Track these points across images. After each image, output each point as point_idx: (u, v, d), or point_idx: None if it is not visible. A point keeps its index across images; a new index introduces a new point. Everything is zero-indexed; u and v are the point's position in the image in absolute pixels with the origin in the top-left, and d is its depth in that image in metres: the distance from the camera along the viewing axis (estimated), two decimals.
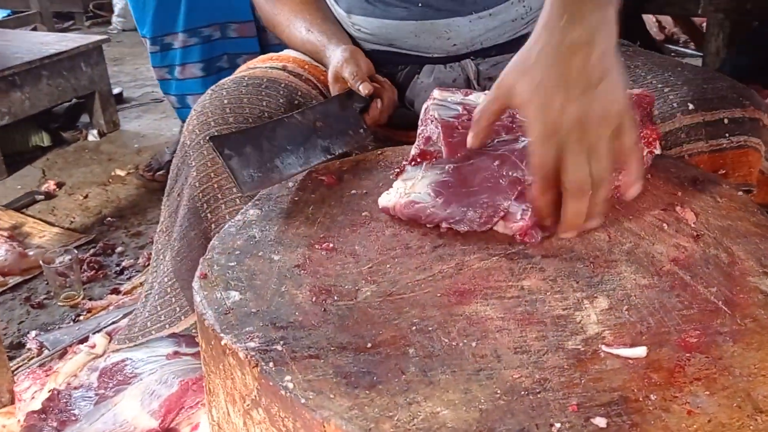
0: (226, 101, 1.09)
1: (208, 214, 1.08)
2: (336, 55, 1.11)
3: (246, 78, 1.14)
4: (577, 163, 0.70)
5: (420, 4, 1.16)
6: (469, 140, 0.82)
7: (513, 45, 1.22)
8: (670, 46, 3.37)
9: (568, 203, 0.73)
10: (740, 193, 0.89)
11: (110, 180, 2.54)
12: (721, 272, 0.73)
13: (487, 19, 1.17)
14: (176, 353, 1.19)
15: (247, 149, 0.91)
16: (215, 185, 1.07)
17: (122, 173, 2.58)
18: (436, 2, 1.15)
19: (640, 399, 0.58)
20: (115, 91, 3.21)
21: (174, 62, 2.18)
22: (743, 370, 0.60)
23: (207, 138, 1.00)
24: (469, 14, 1.16)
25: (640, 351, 0.62)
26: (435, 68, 1.22)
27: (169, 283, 1.16)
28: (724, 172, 1.01)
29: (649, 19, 3.27)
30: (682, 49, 3.32)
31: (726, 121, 1.03)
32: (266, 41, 2.18)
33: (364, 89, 1.07)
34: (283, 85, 1.14)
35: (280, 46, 1.33)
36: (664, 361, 0.62)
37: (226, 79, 1.16)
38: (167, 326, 1.18)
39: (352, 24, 1.23)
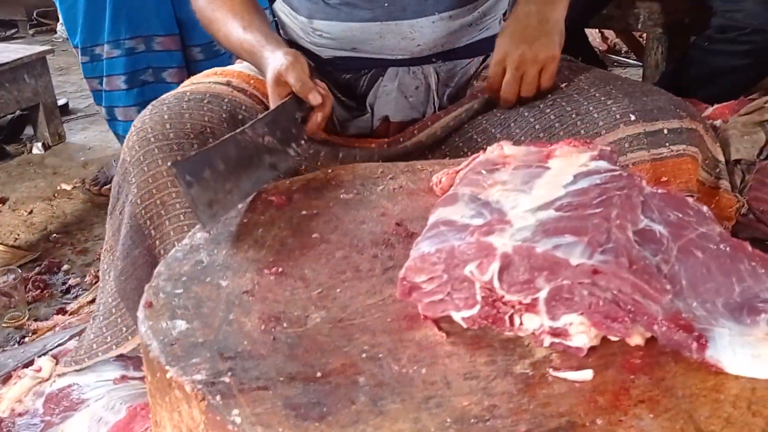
0: (166, 116, 1.08)
1: (152, 231, 1.07)
2: (277, 58, 1.09)
3: (188, 93, 1.13)
4: (509, 82, 1.15)
5: (386, 4, 1.17)
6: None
7: (467, 50, 1.24)
8: (613, 56, 3.45)
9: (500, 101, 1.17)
10: None
11: (56, 195, 2.47)
12: None
13: (448, 21, 1.20)
14: (124, 377, 1.17)
15: (206, 173, 0.88)
16: (157, 201, 1.06)
17: (68, 187, 2.51)
18: (401, 2, 1.17)
19: (587, 424, 0.58)
20: (61, 102, 3.13)
21: (102, 73, 2.14)
22: (685, 390, 0.62)
23: (169, 164, 0.98)
24: (432, 15, 1.19)
25: (587, 374, 0.63)
26: (399, 73, 1.23)
27: (114, 303, 1.14)
28: (666, 179, 1.05)
29: (593, 30, 3.35)
30: (625, 60, 3.41)
31: (666, 131, 1.07)
32: (191, 56, 2.16)
33: (314, 99, 1.06)
34: (226, 100, 1.13)
35: (206, 62, 1.32)
36: (610, 383, 0.63)
37: (168, 94, 1.15)
38: (114, 347, 1.16)
39: (314, 30, 1.23)
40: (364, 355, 0.66)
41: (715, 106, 1.69)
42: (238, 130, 0.97)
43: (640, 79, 2.32)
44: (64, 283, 1.90)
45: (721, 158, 1.19)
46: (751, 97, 1.68)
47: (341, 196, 0.96)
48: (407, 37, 1.19)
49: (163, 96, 1.16)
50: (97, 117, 3.24)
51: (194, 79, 1.24)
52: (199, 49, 2.18)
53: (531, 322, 0.67)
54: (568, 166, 0.80)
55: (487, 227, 0.69)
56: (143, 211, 1.07)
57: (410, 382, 0.63)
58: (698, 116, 1.13)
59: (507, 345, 0.68)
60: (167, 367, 0.66)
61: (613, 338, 0.66)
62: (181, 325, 0.71)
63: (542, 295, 0.65)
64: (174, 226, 1.06)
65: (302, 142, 1.05)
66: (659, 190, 0.75)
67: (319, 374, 0.64)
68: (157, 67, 2.15)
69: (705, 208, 0.72)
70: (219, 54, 2.17)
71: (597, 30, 3.37)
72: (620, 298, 0.63)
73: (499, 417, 0.59)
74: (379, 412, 0.60)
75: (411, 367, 0.65)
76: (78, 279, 1.91)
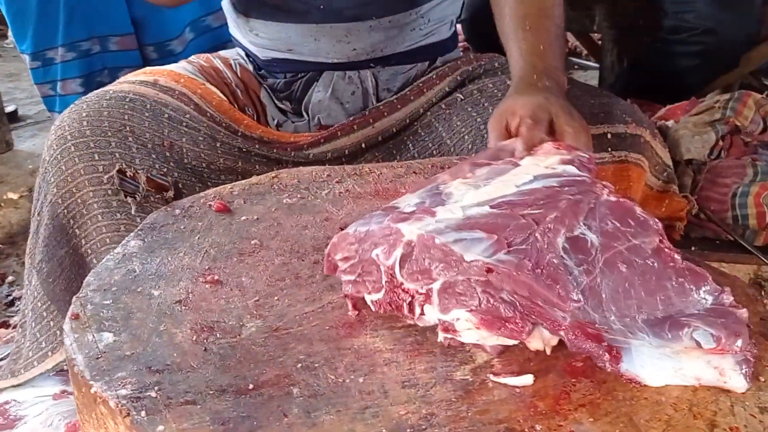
0: (84, 114, 1.06)
1: (76, 230, 1.05)
2: None
3: (110, 92, 1.11)
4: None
5: (321, 7, 1.15)
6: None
7: (411, 55, 1.22)
8: (573, 59, 3.48)
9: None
10: None
11: (2, 204, 2.40)
12: None
13: (387, 26, 1.18)
14: (63, 392, 1.12)
15: None
16: (78, 200, 1.04)
17: (15, 196, 2.43)
18: (337, 5, 1.15)
19: (526, 430, 0.57)
20: (9, 108, 3.04)
21: (56, 77, 2.10)
22: (626, 393, 0.60)
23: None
24: (370, 19, 1.16)
25: (527, 379, 0.61)
26: (334, 78, 1.20)
27: (44, 307, 1.11)
28: None
29: None
30: (585, 62, 3.44)
31: (609, 135, 1.06)
32: (146, 55, 2.13)
33: None
34: (151, 100, 1.10)
35: (160, 60, 1.29)
36: (551, 388, 0.61)
37: (91, 93, 1.13)
38: (49, 353, 1.13)
39: (251, 30, 1.21)
40: (299, 365, 0.64)
41: (668, 106, 1.70)
42: None
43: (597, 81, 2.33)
44: (8, 296, 1.84)
45: (670, 162, 1.19)
46: (702, 98, 1.70)
47: (284, 200, 0.94)
48: (342, 40, 1.17)
49: (87, 95, 1.13)
50: (47, 124, 3.15)
51: (122, 79, 1.21)
52: (153, 48, 2.15)
53: (431, 313, 0.66)
54: (534, 166, 0.79)
55: (406, 215, 0.69)
56: (65, 210, 1.05)
57: (346, 392, 0.61)
58: (645, 122, 1.12)
59: (447, 351, 0.66)
60: (91, 382, 0.62)
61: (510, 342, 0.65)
62: (108, 337, 0.68)
63: (435, 286, 0.65)
64: (94, 225, 1.04)
65: None
66: (613, 198, 0.73)
67: (251, 386, 0.61)
68: (113, 68, 2.12)
69: (653, 220, 0.71)
70: (174, 53, 2.15)
71: None
72: (516, 300, 0.62)
73: (436, 425, 0.57)
74: (312, 424, 0.57)
75: (348, 377, 0.63)
76: (23, 291, 1.85)
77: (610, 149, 1.05)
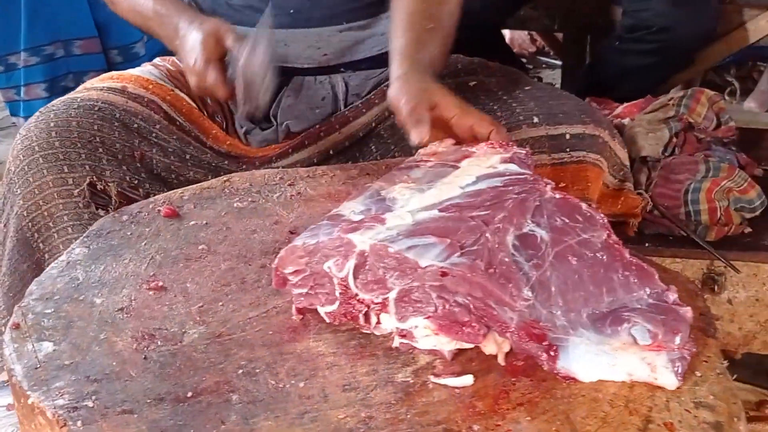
0: (52, 124, 1.03)
1: (40, 244, 1.02)
2: (207, 22, 1.05)
3: (78, 99, 1.08)
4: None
5: (291, 11, 1.14)
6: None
7: (382, 59, 1.22)
8: (542, 58, 3.50)
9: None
10: None
11: None
12: None
13: (357, 30, 1.17)
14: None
15: None
16: (45, 213, 1.01)
17: None
18: (307, 10, 1.14)
19: (463, 431, 0.57)
20: None
21: (19, 83, 2.07)
22: (564, 391, 0.61)
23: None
24: (340, 24, 1.16)
25: (467, 380, 0.62)
26: (304, 83, 1.19)
27: (3, 321, 1.08)
28: (564, 185, 1.05)
29: (522, 33, 3.39)
30: (553, 61, 3.46)
31: (568, 136, 1.07)
32: (110, 59, 2.11)
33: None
34: (120, 109, 1.08)
35: (125, 64, 1.27)
36: (491, 387, 0.62)
37: (57, 100, 1.10)
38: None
39: None
40: (240, 371, 0.64)
41: (625, 104, 1.72)
42: None
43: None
44: None
45: (627, 162, 1.21)
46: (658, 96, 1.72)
47: (235, 204, 0.93)
48: (313, 45, 1.16)
49: (52, 102, 1.10)
50: (11, 130, 3.10)
51: (88, 84, 1.18)
52: (117, 52, 2.13)
53: (388, 322, 0.66)
54: (476, 167, 0.79)
55: (356, 224, 0.68)
56: (30, 224, 1.03)
57: (286, 397, 0.61)
58: (604, 122, 1.13)
59: (390, 353, 0.66)
60: (29, 392, 0.62)
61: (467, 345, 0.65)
62: (48, 347, 0.67)
63: (392, 295, 0.65)
64: (63, 239, 1.01)
65: None
66: (557, 195, 0.74)
67: (189, 394, 0.61)
68: (77, 72, 2.10)
69: (599, 216, 0.72)
70: (139, 56, 2.13)
71: (527, 32, 3.41)
72: (471, 302, 0.62)
73: (374, 428, 0.57)
74: (250, 431, 0.57)
75: (288, 382, 0.62)
76: None
77: (568, 149, 1.05)
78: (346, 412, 0.59)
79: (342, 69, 1.20)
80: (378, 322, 0.67)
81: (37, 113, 1.08)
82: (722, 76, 2.81)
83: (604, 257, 0.68)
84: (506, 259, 0.63)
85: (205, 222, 0.88)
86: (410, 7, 1.05)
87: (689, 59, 1.98)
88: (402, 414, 0.59)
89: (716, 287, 1.28)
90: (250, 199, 0.94)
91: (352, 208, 0.74)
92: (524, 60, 3.23)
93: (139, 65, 1.25)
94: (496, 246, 0.65)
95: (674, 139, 1.43)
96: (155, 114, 1.11)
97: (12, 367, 0.65)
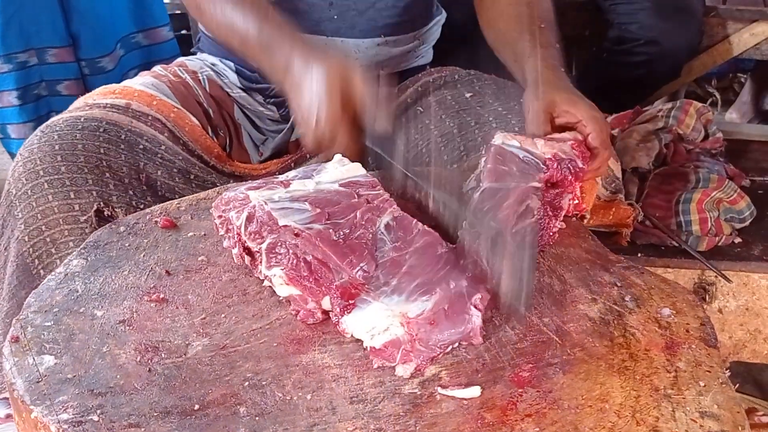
0: (57, 147, 0.99)
1: (41, 271, 0.99)
2: (327, 60, 0.91)
3: (82, 119, 1.03)
4: None
5: (335, 17, 1.15)
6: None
7: (400, 76, 1.25)
8: None
9: None
10: (573, 218, 0.92)
11: None
12: (553, 301, 0.75)
13: (391, 45, 1.21)
14: (9, 416, 1.09)
15: None
16: (47, 239, 0.97)
17: None
18: (350, 20, 1.16)
19: None
20: None
21: None
22: (571, 401, 0.61)
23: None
24: (378, 37, 1.18)
25: (474, 391, 0.62)
26: None
27: (1, 346, 1.06)
28: None
29: None
30: None
31: None
32: (81, 70, 2.08)
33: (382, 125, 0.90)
34: (125, 130, 1.05)
35: (91, 77, 1.21)
36: (498, 398, 0.62)
37: (59, 117, 1.05)
38: (3, 391, 1.08)
39: None
40: (246, 384, 0.63)
41: (614, 115, 1.74)
42: None
43: None
44: None
45: (619, 174, 1.22)
46: (646, 107, 1.74)
47: None
48: (351, 55, 1.17)
49: (54, 120, 1.05)
50: None
51: (88, 98, 1.14)
52: (85, 64, 2.11)
53: (263, 270, 0.74)
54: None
55: (261, 184, 0.79)
56: (31, 249, 0.99)
57: (294, 410, 0.60)
58: None
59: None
60: (32, 407, 0.61)
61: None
62: (50, 360, 0.66)
63: (263, 246, 0.73)
64: None
65: None
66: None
67: (197, 407, 0.60)
68: (51, 80, 2.08)
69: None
70: (105, 70, 2.12)
71: None
72: (313, 262, 0.70)
73: None
74: None
75: (296, 394, 0.62)
76: None
77: None
78: (355, 424, 0.59)
79: None
80: (257, 267, 0.76)
81: (39, 132, 1.03)
82: (703, 87, 2.85)
83: (453, 258, 0.73)
84: (368, 235, 0.72)
85: (203, 233, 0.88)
86: (515, 9, 1.10)
87: (676, 71, 2.00)
88: (411, 426, 0.59)
89: (707, 297, 1.29)
90: None
91: (290, 174, 0.83)
92: None
93: (106, 79, 1.21)
94: (363, 222, 0.73)
95: (664, 151, 1.45)
96: (160, 134, 1.08)
97: (13, 381, 0.64)
